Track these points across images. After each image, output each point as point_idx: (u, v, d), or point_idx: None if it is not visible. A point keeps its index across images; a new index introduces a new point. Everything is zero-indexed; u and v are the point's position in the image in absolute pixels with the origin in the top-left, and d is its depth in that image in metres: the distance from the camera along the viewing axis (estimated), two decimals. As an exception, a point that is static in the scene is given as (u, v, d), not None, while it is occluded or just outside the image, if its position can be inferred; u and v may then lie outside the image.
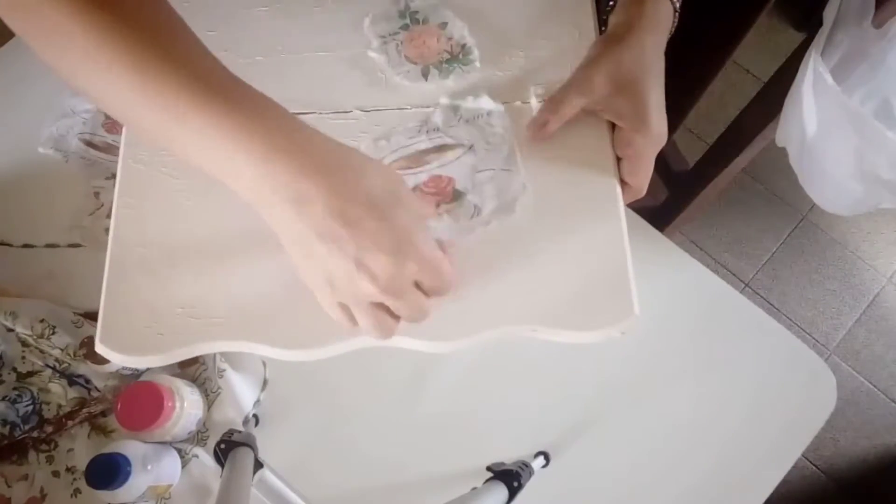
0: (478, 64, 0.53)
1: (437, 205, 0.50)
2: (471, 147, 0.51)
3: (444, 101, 0.52)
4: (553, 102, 0.49)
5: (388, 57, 0.54)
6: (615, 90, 0.47)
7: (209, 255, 0.49)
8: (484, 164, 0.51)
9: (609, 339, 0.47)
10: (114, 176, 0.59)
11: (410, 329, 0.46)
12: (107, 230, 0.64)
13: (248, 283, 0.48)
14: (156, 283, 0.48)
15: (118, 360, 0.47)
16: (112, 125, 0.75)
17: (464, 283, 0.47)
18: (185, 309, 0.47)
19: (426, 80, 0.53)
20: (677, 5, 0.50)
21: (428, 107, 0.52)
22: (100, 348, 0.46)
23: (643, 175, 0.49)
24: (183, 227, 0.49)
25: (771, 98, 0.83)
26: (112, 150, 0.74)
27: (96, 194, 0.73)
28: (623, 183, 0.50)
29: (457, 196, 0.51)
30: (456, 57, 0.54)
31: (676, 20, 0.51)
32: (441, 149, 0.52)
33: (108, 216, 0.69)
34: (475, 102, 0.52)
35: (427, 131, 0.52)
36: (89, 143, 0.75)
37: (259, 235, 0.49)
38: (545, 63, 0.53)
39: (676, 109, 0.50)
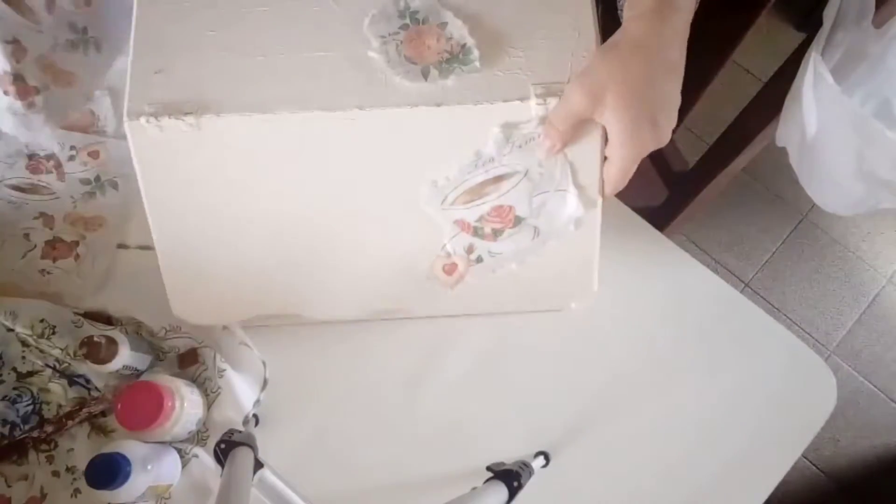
0: (478, 64, 0.53)
1: (503, 231, 0.57)
2: (526, 173, 0.54)
3: (495, 129, 0.53)
4: (551, 128, 0.52)
5: (388, 57, 0.53)
6: (608, 107, 0.48)
7: (227, 235, 0.58)
8: (539, 188, 0.55)
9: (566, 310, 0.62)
10: (41, 215, 0.70)
11: (415, 306, 0.60)
12: (41, 271, 0.69)
13: (267, 259, 0.59)
14: (199, 262, 0.59)
15: (193, 322, 0.64)
16: (35, 166, 0.72)
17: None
18: (230, 284, 0.60)
19: (426, 80, 0.53)
20: None
21: (428, 107, 0.52)
22: (177, 313, 0.62)
23: (618, 176, 0.52)
24: (219, 222, 0.58)
25: (771, 98, 0.83)
26: (38, 189, 0.71)
27: (26, 236, 0.70)
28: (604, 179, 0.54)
29: (518, 222, 0.56)
30: (456, 57, 0.53)
31: None
32: (498, 179, 0.55)
33: (42, 257, 0.69)
34: (525, 128, 0.53)
35: (483, 164, 0.54)
36: (15, 188, 0.72)
37: (276, 230, 0.56)
38: (545, 63, 0.53)
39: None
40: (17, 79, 0.63)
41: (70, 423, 0.64)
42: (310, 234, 0.57)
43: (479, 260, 0.59)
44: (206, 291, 0.61)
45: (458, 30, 0.54)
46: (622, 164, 0.51)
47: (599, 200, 0.56)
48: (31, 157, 0.72)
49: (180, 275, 0.60)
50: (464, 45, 0.54)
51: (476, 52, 0.53)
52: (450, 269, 0.59)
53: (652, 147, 0.49)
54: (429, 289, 0.61)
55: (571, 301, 0.63)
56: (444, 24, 0.54)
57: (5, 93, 0.62)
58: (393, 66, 0.53)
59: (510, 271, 0.60)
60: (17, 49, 0.62)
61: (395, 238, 0.58)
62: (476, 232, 0.57)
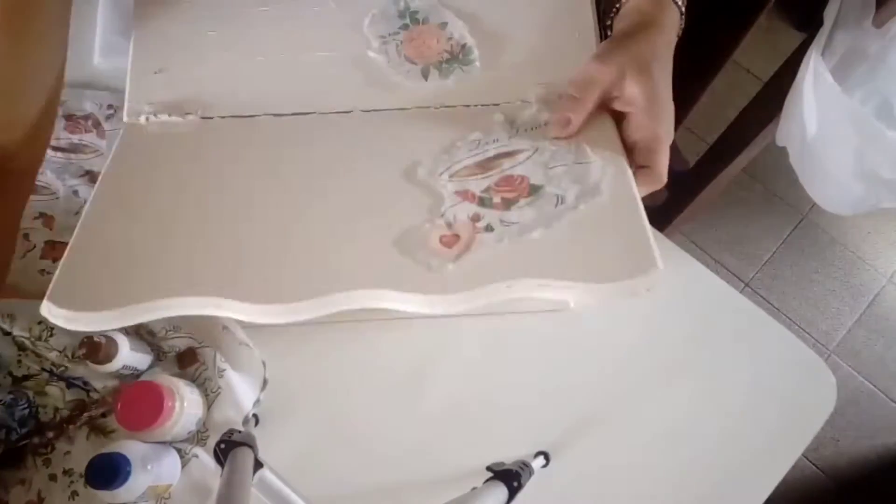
0: (478, 64, 0.53)
1: (517, 200, 0.47)
2: (536, 149, 0.50)
3: (498, 117, 0.51)
4: (570, 99, 0.48)
5: (388, 57, 0.53)
6: (626, 76, 0.47)
7: (179, 215, 0.47)
8: (555, 160, 0.49)
9: (633, 295, 0.44)
10: (42, 215, 0.69)
11: (407, 283, 0.43)
12: (41, 271, 0.70)
13: (217, 237, 0.46)
14: (120, 240, 0.46)
15: (64, 319, 0.42)
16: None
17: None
18: (149, 265, 0.45)
19: (426, 80, 0.53)
20: (682, 9, 0.50)
21: (428, 107, 0.52)
22: (45, 309, 0.42)
23: (661, 159, 0.48)
24: (162, 190, 0.48)
25: (771, 98, 0.83)
26: (38, 189, 0.72)
27: (25, 236, 0.70)
28: (643, 168, 0.49)
29: (534, 190, 0.48)
30: (456, 57, 0.53)
31: (683, 23, 0.50)
32: (506, 154, 0.50)
33: (42, 257, 0.70)
34: (529, 116, 0.51)
35: (489, 142, 0.50)
36: None
37: (231, 200, 0.49)
38: (545, 63, 0.53)
39: (677, 109, 0.50)
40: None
41: (71, 427, 0.64)
42: (304, 236, 0.50)
43: (489, 228, 0.46)
44: (116, 272, 0.45)
45: (459, 30, 0.54)
46: (659, 135, 0.47)
47: (629, 170, 0.48)
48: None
49: (93, 248, 0.45)
50: (464, 45, 0.54)
51: (476, 52, 0.53)
52: (449, 240, 0.46)
53: (671, 132, 0.48)
54: (423, 264, 0.45)
55: (633, 274, 0.44)
56: (444, 24, 0.54)
57: None
58: (393, 66, 0.53)
59: (532, 240, 0.46)
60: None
61: (386, 215, 0.48)
62: (482, 202, 0.47)
